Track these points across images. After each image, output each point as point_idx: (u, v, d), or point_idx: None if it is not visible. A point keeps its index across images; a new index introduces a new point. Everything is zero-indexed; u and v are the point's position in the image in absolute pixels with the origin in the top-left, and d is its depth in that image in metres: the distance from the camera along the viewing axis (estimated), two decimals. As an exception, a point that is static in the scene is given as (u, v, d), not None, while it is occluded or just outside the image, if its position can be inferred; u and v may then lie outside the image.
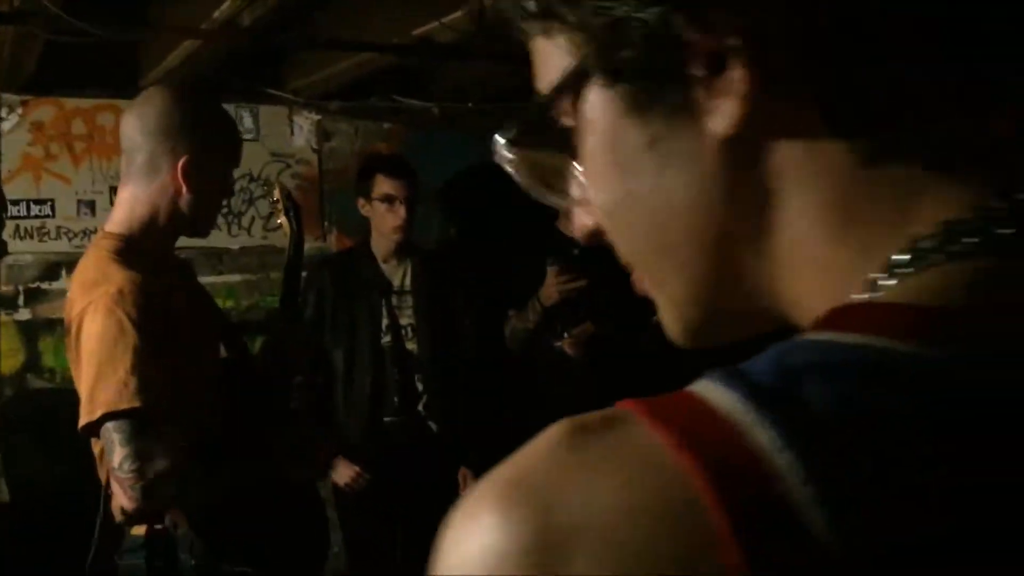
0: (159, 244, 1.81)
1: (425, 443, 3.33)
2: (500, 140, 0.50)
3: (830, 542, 0.33)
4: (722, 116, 0.42)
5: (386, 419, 3.30)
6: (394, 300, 3.38)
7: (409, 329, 3.38)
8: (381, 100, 4.05)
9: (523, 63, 0.49)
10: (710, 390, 0.37)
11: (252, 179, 3.89)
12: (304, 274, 3.75)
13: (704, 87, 0.42)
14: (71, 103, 3.58)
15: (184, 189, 1.73)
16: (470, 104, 4.12)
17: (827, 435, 0.35)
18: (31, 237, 3.52)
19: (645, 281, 0.50)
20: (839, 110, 0.42)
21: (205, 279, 3.76)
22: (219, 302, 3.51)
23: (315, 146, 4.02)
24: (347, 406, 3.29)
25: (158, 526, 1.79)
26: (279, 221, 3.48)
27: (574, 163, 0.49)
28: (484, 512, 0.36)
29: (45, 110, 3.52)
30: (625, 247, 0.49)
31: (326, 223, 4.06)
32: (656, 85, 0.43)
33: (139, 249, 1.75)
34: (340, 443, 3.26)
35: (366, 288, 3.34)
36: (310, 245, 4.01)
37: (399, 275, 3.40)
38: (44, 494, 3.42)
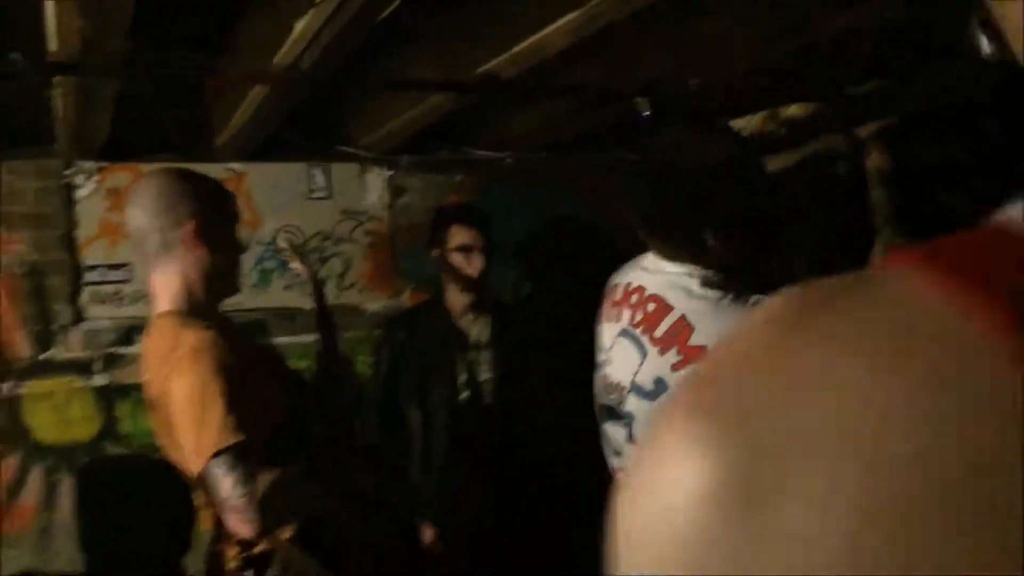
0: (207, 310, 1.91)
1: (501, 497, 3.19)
2: None
3: None
4: None
5: (462, 476, 3.17)
6: (470, 355, 3.27)
7: (488, 383, 3.26)
8: (453, 152, 3.99)
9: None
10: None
11: (326, 238, 3.84)
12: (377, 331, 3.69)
13: None
14: (146, 168, 3.60)
15: (200, 251, 1.86)
16: (545, 153, 4.04)
17: None
18: (107, 302, 3.51)
19: None
20: None
21: (279, 340, 3.70)
22: (293, 362, 3.44)
23: (388, 202, 3.96)
24: (423, 463, 3.16)
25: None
26: (293, 266, 3.50)
27: None
28: None
29: (121, 176, 3.54)
30: None
31: (399, 280, 3.98)
32: None
33: (195, 316, 1.87)
34: (416, 501, 3.13)
35: (442, 343, 3.23)
36: (383, 303, 3.95)
37: (475, 329, 3.29)
38: (119, 562, 3.35)
